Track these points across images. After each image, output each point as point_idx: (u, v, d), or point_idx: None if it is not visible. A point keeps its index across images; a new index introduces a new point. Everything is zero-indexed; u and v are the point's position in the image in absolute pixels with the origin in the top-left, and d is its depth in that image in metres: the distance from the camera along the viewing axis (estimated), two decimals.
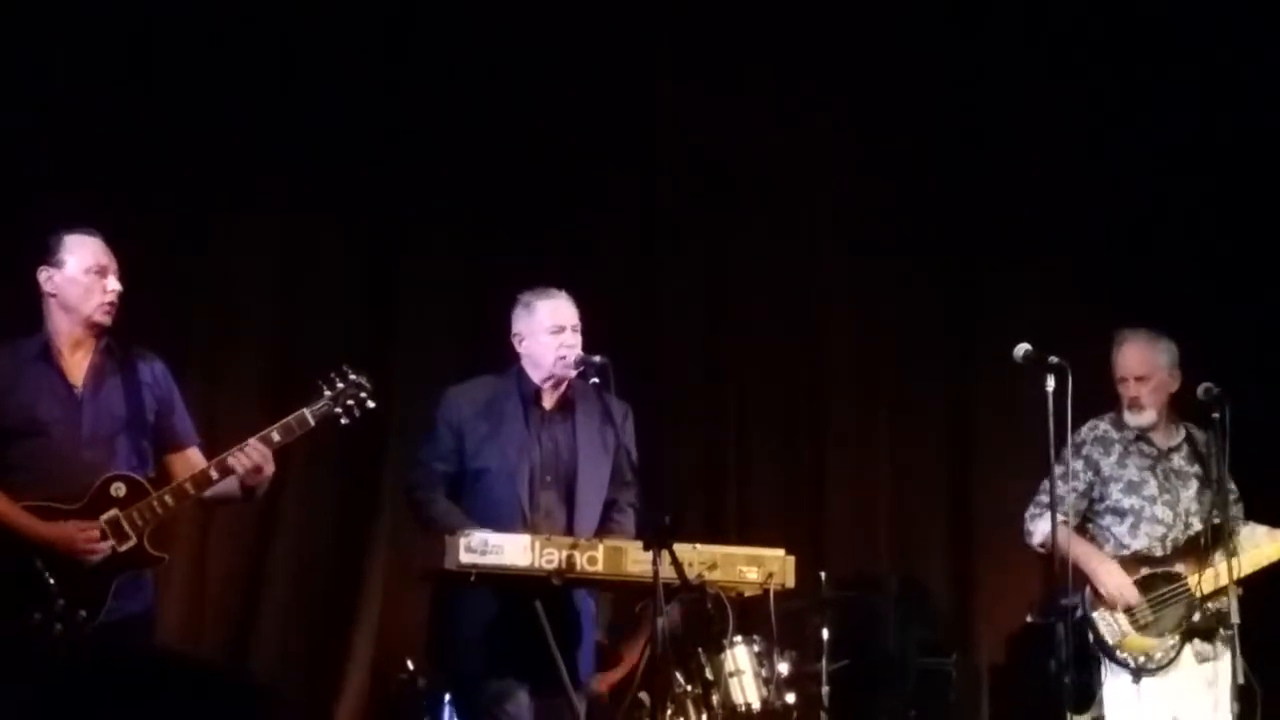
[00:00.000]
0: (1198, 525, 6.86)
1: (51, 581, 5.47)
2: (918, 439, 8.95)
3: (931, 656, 8.37)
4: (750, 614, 6.54)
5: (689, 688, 6.72)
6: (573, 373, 6.23)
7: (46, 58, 7.60)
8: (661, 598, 5.68)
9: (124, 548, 5.56)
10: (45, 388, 5.68)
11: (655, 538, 5.71)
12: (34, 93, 7.54)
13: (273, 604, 7.86)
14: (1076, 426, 6.60)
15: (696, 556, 6.03)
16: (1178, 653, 6.77)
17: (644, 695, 6.34)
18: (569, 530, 6.17)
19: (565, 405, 6.33)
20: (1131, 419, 6.98)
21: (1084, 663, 6.73)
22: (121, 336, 5.85)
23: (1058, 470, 6.53)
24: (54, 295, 5.75)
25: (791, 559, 6.26)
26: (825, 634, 7.59)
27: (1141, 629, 6.79)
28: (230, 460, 5.67)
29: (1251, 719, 6.54)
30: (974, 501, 8.85)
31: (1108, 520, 6.95)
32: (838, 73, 8.94)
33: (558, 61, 8.52)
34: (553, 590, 5.96)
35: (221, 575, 7.81)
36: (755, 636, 6.76)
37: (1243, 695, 6.52)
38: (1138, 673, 6.76)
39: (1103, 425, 7.00)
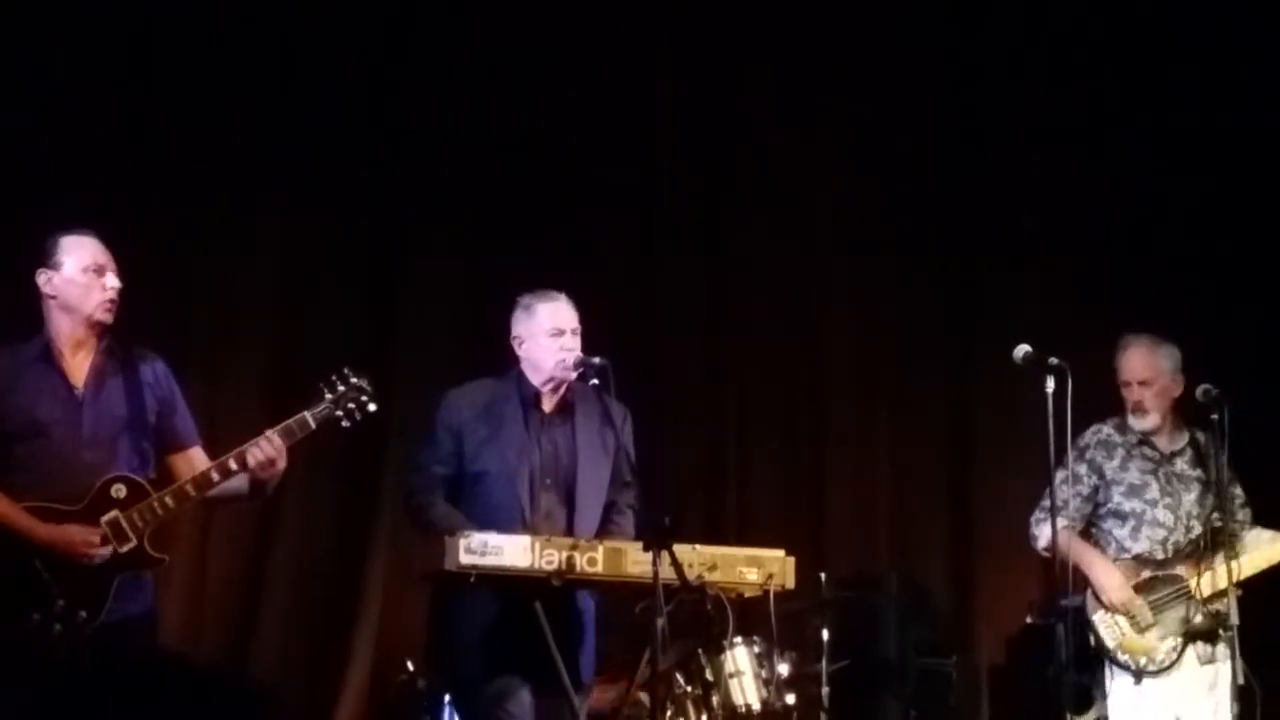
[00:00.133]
0: (1199, 529, 6.87)
1: (51, 582, 5.46)
2: (918, 439, 8.95)
3: (931, 657, 8.37)
4: (750, 615, 6.54)
5: (689, 689, 6.71)
6: (572, 375, 6.23)
7: (46, 58, 7.59)
8: (661, 599, 5.68)
9: (124, 549, 5.55)
10: (46, 389, 5.67)
11: (655, 539, 5.71)
12: (34, 93, 7.53)
13: (273, 606, 7.86)
14: (1077, 427, 6.59)
15: (696, 557, 6.03)
16: (1180, 654, 6.78)
17: (643, 696, 6.32)
18: (569, 532, 6.17)
19: (565, 408, 6.32)
20: (1135, 423, 7.00)
21: (1085, 664, 6.75)
22: (122, 337, 5.85)
23: (1059, 474, 6.56)
24: (54, 297, 5.74)
25: (791, 560, 6.27)
26: (825, 635, 7.58)
27: (1142, 631, 6.80)
28: (247, 453, 5.66)
29: None
30: (974, 501, 8.86)
31: (1110, 524, 6.97)
32: (838, 73, 8.94)
33: (558, 61, 8.52)
34: (553, 591, 5.96)
35: (222, 576, 7.81)
36: (755, 637, 6.76)
37: (1242, 696, 6.53)
38: (1139, 675, 6.78)
39: (1106, 429, 7.02)
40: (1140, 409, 6.98)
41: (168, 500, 5.62)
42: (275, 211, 8.10)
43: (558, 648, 5.98)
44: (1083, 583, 6.76)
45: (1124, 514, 6.94)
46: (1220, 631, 6.74)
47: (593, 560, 5.95)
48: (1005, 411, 8.30)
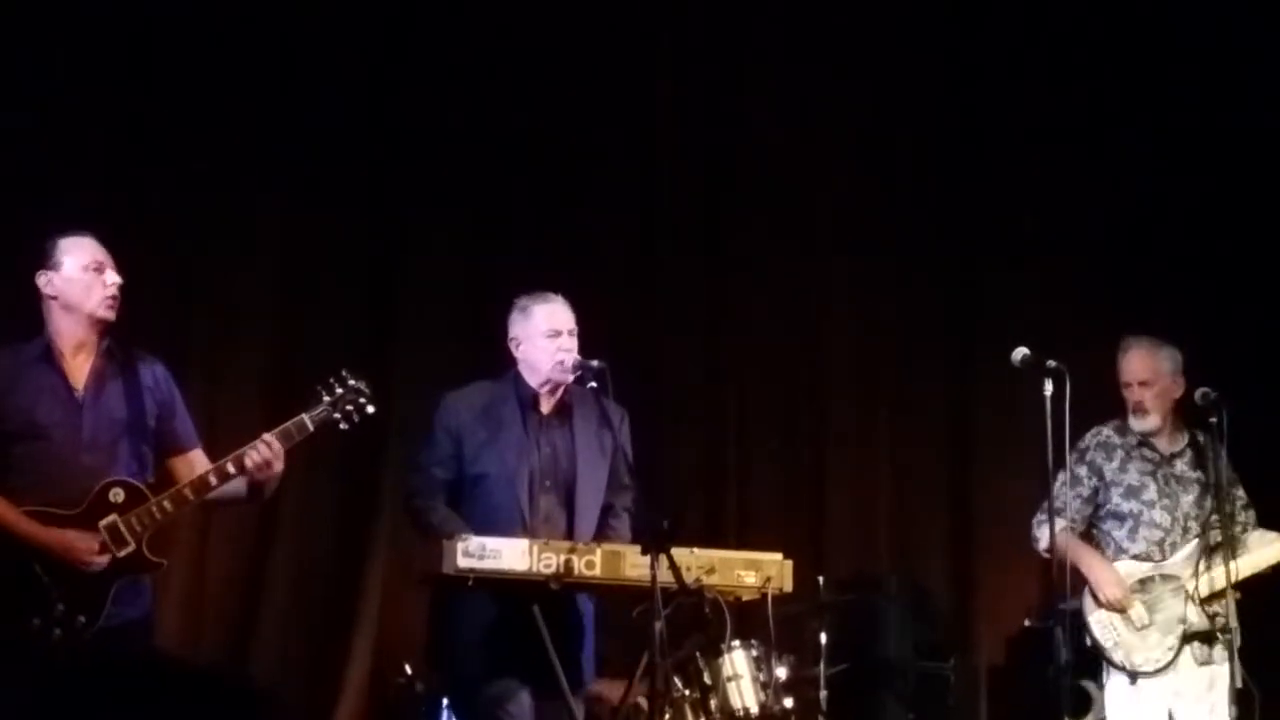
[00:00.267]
0: (1196, 529, 6.87)
1: (50, 587, 5.46)
2: (918, 439, 8.96)
3: (930, 660, 8.38)
4: (748, 618, 6.53)
5: (687, 692, 6.71)
6: (570, 377, 6.22)
7: (46, 58, 7.59)
8: (659, 602, 5.68)
9: (123, 553, 5.54)
10: (46, 390, 5.67)
11: (653, 542, 5.72)
12: (34, 93, 7.54)
13: (272, 608, 7.87)
14: (1077, 429, 6.62)
15: (694, 561, 6.02)
16: (1176, 655, 6.79)
17: (641, 700, 6.32)
18: (569, 535, 6.17)
19: (563, 410, 6.33)
20: (1135, 424, 7.01)
21: (1084, 667, 6.76)
22: (122, 337, 5.84)
23: (1059, 476, 6.57)
24: (54, 298, 5.74)
25: (789, 563, 6.27)
26: (823, 638, 7.59)
27: (1138, 631, 6.81)
28: (245, 456, 5.66)
29: None
30: (974, 501, 8.86)
31: (1109, 524, 7.00)
32: (838, 73, 8.94)
33: (558, 61, 8.51)
34: (551, 595, 5.97)
35: (221, 577, 7.82)
36: (753, 641, 6.74)
37: (1241, 699, 6.54)
38: (1134, 675, 6.79)
39: (1106, 431, 7.04)
40: (1140, 410, 6.99)
41: (166, 505, 5.62)
42: (275, 211, 8.10)
43: (556, 651, 5.98)
44: (1081, 585, 6.78)
45: (1122, 515, 6.96)
46: (1219, 634, 6.74)
47: (591, 564, 5.95)
48: (1005, 412, 8.30)
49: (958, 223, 9.02)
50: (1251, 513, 7.04)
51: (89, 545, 5.51)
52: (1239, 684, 6.56)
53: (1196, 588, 6.79)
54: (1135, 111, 8.89)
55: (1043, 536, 6.90)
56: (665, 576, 5.72)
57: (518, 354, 6.33)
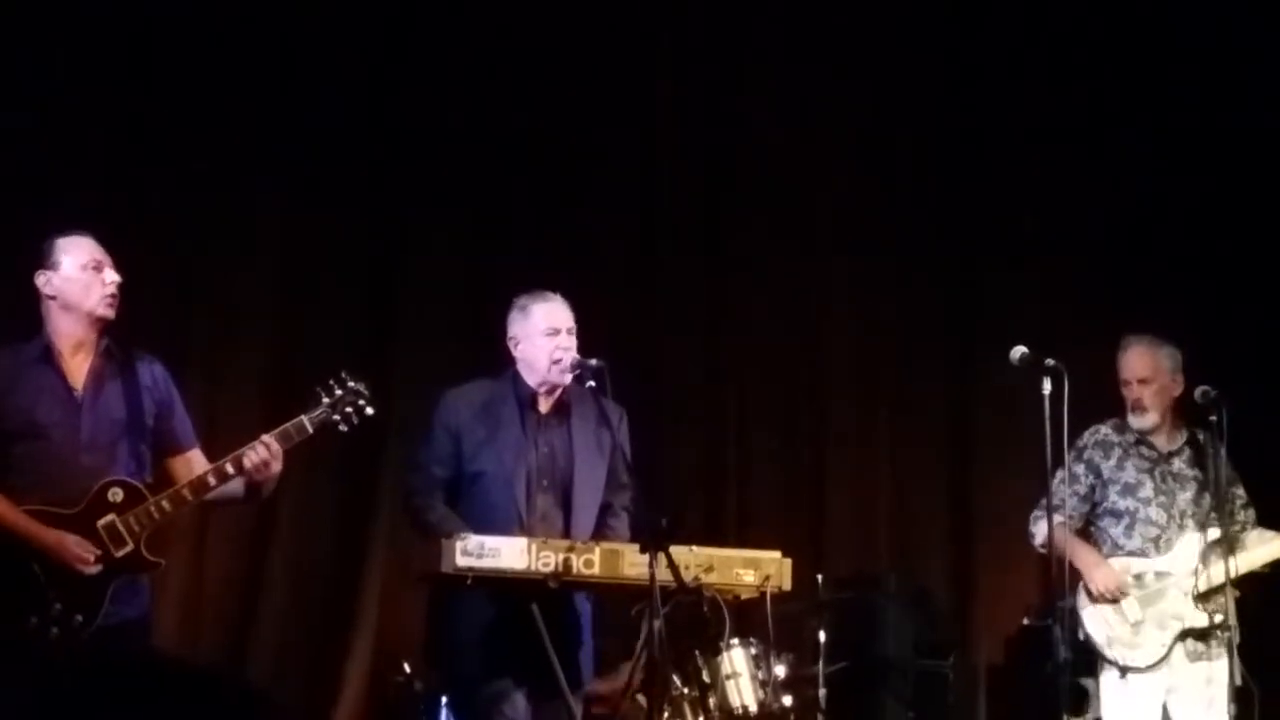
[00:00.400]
0: (1192, 527, 6.88)
1: (48, 586, 5.46)
2: (918, 439, 8.96)
3: (929, 658, 8.38)
4: (747, 617, 6.54)
5: (686, 690, 6.72)
6: (568, 376, 6.22)
7: (46, 58, 7.60)
8: (658, 600, 5.68)
9: (121, 553, 5.55)
10: (45, 390, 5.67)
11: (652, 540, 5.72)
12: (34, 93, 7.55)
13: (270, 607, 7.88)
14: (1076, 427, 6.62)
15: (693, 559, 6.01)
16: (1168, 651, 6.79)
17: (640, 698, 6.33)
18: (566, 534, 6.17)
19: (561, 409, 6.32)
20: (1134, 421, 7.02)
21: (1082, 665, 6.77)
22: (121, 336, 5.85)
23: (1058, 474, 6.58)
24: (54, 297, 5.75)
25: (788, 561, 6.25)
26: (822, 636, 7.59)
27: (1131, 627, 6.82)
28: (243, 457, 5.67)
29: None
30: (974, 501, 8.87)
31: (1106, 522, 7.01)
32: (838, 73, 8.94)
33: (558, 61, 8.52)
34: (550, 593, 5.97)
35: (219, 579, 7.83)
36: (752, 639, 6.75)
37: (1240, 697, 6.54)
38: (1125, 671, 6.80)
39: (1104, 429, 7.05)
40: (1139, 407, 7.00)
41: (164, 505, 5.62)
42: (275, 211, 8.11)
43: (555, 650, 5.97)
44: (1077, 581, 6.79)
45: (1119, 512, 6.97)
46: (1215, 631, 6.74)
47: (589, 562, 5.95)
48: (1005, 412, 8.30)
49: (958, 223, 9.03)
50: (1251, 512, 7.04)
51: (86, 545, 5.51)
52: (1238, 682, 6.56)
53: (1196, 584, 6.78)
54: (1135, 111, 8.90)
55: (1039, 533, 6.91)
56: (664, 575, 5.72)
57: (516, 353, 6.32)
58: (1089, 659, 6.85)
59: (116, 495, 5.58)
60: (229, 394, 7.81)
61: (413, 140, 8.31)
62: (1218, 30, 8.73)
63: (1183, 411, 7.02)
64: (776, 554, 6.25)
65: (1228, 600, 6.69)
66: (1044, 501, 6.73)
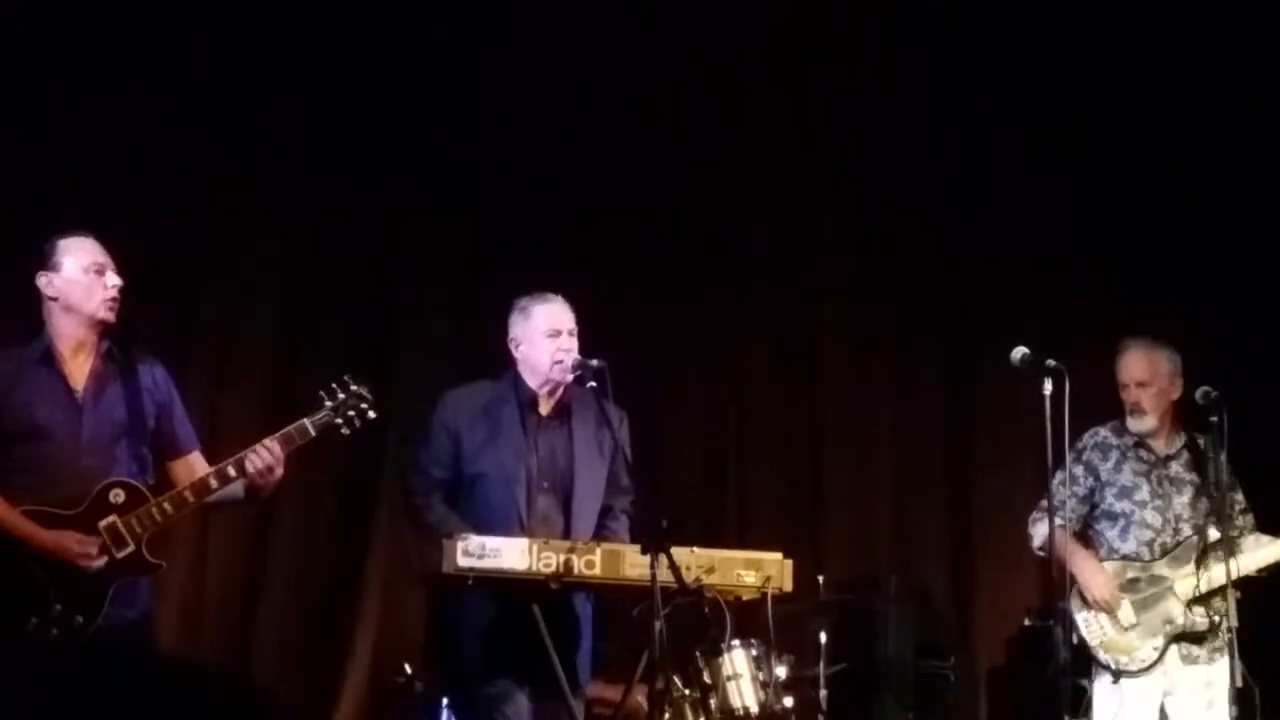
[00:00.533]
0: (1188, 531, 6.87)
1: (48, 587, 5.46)
2: (918, 440, 8.95)
3: (930, 659, 8.38)
4: (748, 618, 6.53)
5: (686, 691, 6.71)
6: (569, 377, 6.22)
7: (46, 58, 7.59)
8: (659, 601, 5.68)
9: (122, 554, 5.54)
10: (46, 392, 5.67)
11: (653, 541, 5.72)
12: (34, 93, 7.54)
13: (271, 608, 7.87)
14: (1075, 428, 6.61)
15: (694, 560, 6.03)
16: (1162, 655, 6.79)
17: (641, 699, 6.32)
18: (566, 536, 6.17)
19: (562, 411, 6.33)
20: (1133, 424, 7.01)
21: (1083, 667, 6.77)
22: (121, 340, 5.84)
23: (1057, 475, 6.58)
24: (55, 299, 5.74)
25: (789, 563, 6.26)
26: (823, 637, 7.60)
27: (1124, 631, 6.82)
28: (246, 460, 5.66)
29: None
30: (974, 501, 8.86)
31: (1102, 524, 7.01)
32: (838, 73, 8.93)
33: (558, 62, 8.51)
34: (550, 594, 5.97)
35: (220, 579, 7.82)
36: (753, 640, 6.74)
37: (1241, 698, 6.53)
38: (1117, 674, 6.80)
39: (1103, 432, 7.04)
40: (1138, 409, 6.99)
41: (166, 506, 5.62)
42: (275, 211, 8.09)
43: (555, 650, 5.99)
44: (1072, 584, 6.79)
45: (1115, 515, 6.97)
46: (1211, 634, 6.74)
47: (590, 563, 5.96)
48: (1005, 412, 8.31)
49: (958, 223, 9.02)
50: (1249, 517, 7.02)
51: (87, 546, 5.51)
52: (1239, 683, 6.55)
53: (1198, 586, 6.78)
54: (1136, 112, 8.88)
55: (1037, 535, 6.92)
56: (665, 576, 5.72)
57: (517, 354, 6.33)
58: (1086, 662, 6.85)
59: (118, 496, 5.58)
60: (229, 396, 7.80)
61: (413, 140, 8.29)
62: (1218, 30, 8.72)
63: (1181, 415, 7.02)
64: (777, 555, 6.26)
65: (1229, 602, 6.69)
66: (1043, 503, 6.74)
